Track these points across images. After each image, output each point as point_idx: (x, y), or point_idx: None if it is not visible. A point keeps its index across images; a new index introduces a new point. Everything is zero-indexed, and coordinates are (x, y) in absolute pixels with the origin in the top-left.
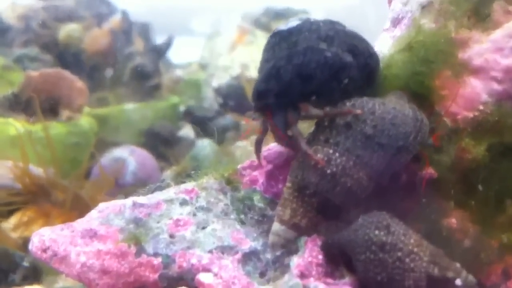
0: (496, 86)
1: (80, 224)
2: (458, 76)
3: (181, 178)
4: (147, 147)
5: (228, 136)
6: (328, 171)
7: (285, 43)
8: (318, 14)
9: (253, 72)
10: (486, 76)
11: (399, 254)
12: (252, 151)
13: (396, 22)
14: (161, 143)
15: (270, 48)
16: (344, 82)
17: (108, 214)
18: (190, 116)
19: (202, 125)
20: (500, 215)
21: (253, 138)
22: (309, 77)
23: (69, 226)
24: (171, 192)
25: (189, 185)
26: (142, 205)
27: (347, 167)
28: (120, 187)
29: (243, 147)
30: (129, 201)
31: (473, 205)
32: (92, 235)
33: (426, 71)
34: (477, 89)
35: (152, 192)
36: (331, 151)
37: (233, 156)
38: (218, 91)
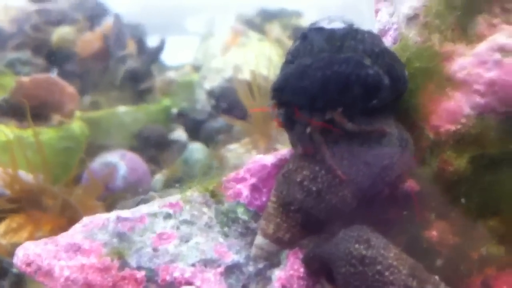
0: (478, 99)
1: (64, 238)
2: (442, 89)
3: (171, 184)
4: (139, 150)
5: (220, 139)
6: (314, 188)
7: (327, 45)
8: (312, 12)
9: (246, 75)
10: (469, 90)
11: (379, 267)
12: (241, 153)
13: (382, 33)
14: (152, 146)
15: (308, 43)
16: (373, 102)
17: (92, 228)
18: (183, 119)
19: (195, 128)
20: (481, 227)
21: (244, 141)
22: (346, 89)
23: (53, 240)
24: (155, 205)
25: (174, 198)
26: (125, 219)
27: (333, 185)
28: (110, 192)
29: (234, 150)
30: (113, 215)
31: (454, 217)
32: (76, 249)
33: (413, 88)
34: (460, 102)
35: (137, 204)
36: (317, 168)
37: (224, 161)
38: (210, 93)
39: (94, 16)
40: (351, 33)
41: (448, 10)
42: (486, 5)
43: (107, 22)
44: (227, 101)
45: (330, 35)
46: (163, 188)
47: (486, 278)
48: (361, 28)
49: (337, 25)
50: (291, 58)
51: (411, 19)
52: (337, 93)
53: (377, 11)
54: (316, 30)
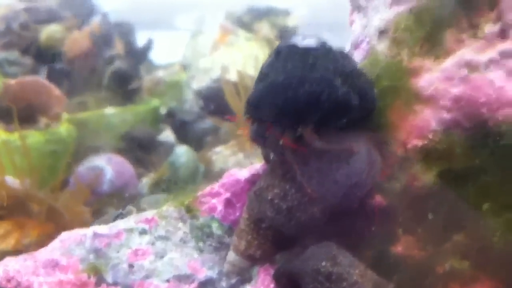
0: (445, 115)
1: (43, 254)
2: (410, 105)
3: (158, 188)
4: (126, 152)
5: (207, 140)
6: (284, 206)
7: (300, 62)
8: (301, 11)
9: (233, 75)
10: (436, 105)
11: (344, 284)
12: (228, 156)
13: (355, 45)
14: (140, 148)
15: (281, 58)
16: (342, 121)
17: (70, 244)
18: (171, 119)
19: (183, 129)
20: (446, 242)
21: (231, 143)
22: (316, 107)
23: (32, 256)
24: (131, 221)
25: (149, 213)
26: (102, 235)
27: (302, 203)
28: (97, 196)
29: (221, 153)
30: (90, 231)
31: (420, 232)
32: (54, 265)
33: (382, 105)
34: (427, 117)
35: (114, 219)
36: (287, 186)
37: (211, 164)
38: (198, 93)
39: (83, 15)
40: (323, 52)
41: (417, 25)
42: (454, 20)
43: (95, 21)
44: (215, 102)
45: (303, 53)
46: (150, 192)
47: None
48: (333, 47)
49: (311, 42)
50: (265, 73)
51: (382, 32)
52: (307, 111)
53: (351, 23)
54: (290, 47)
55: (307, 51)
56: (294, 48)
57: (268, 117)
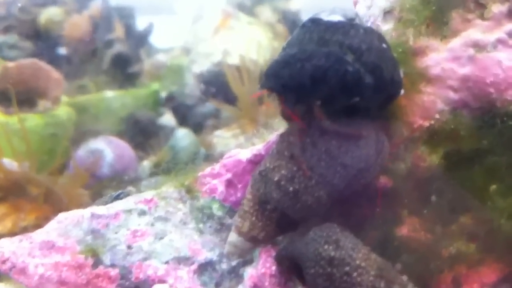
0: (452, 95)
1: (39, 235)
2: (416, 85)
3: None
4: (127, 136)
5: (209, 124)
6: (291, 188)
7: (316, 36)
8: None
9: (235, 59)
10: (442, 85)
11: (347, 268)
12: (229, 139)
13: None
14: (140, 132)
15: (302, 32)
16: (354, 100)
17: (67, 225)
18: (172, 103)
19: (184, 113)
20: (452, 224)
21: (233, 126)
22: (321, 82)
23: (28, 237)
24: (130, 201)
25: (149, 194)
26: (100, 216)
27: (309, 186)
28: (97, 179)
29: (221, 136)
30: (87, 212)
31: (426, 213)
32: (50, 246)
33: None
34: (433, 98)
35: (112, 201)
36: (294, 168)
37: (212, 147)
38: (199, 77)
39: None
40: (344, 28)
41: (423, 5)
42: (460, 0)
43: (95, 5)
44: (216, 86)
45: (323, 27)
46: (150, 175)
47: (456, 275)
48: (360, 24)
49: (336, 18)
50: (286, 46)
51: (387, 13)
52: (313, 86)
53: (355, 3)
54: (312, 21)
55: (327, 26)
56: (316, 22)
57: (276, 89)
